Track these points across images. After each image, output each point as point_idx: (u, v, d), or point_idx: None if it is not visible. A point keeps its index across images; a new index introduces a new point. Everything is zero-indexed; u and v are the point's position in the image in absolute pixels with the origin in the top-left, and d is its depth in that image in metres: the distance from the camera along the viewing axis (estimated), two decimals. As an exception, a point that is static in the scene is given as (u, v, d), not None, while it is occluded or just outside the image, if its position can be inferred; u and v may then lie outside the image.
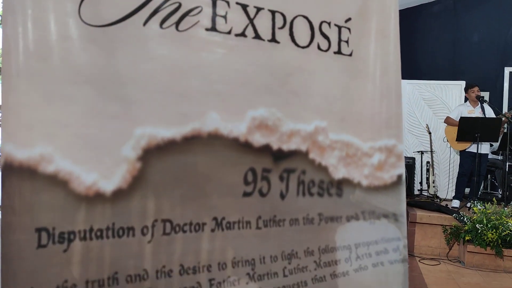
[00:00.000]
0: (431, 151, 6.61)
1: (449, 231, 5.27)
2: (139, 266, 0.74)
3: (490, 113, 5.72)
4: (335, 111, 0.92)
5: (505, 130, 5.81)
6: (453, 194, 6.03)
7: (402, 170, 0.94)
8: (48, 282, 0.66)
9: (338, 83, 0.94)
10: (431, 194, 6.40)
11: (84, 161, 0.69)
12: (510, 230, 4.67)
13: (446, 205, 5.82)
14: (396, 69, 0.96)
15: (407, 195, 4.94)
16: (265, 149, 0.84)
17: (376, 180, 0.94)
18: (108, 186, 0.71)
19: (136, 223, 0.73)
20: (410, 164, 6.57)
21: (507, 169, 5.85)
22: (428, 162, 6.59)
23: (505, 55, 7.00)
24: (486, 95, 6.51)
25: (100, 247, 0.71)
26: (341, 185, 0.92)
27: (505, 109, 5.76)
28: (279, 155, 0.86)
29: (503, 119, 5.36)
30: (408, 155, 6.72)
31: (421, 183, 6.65)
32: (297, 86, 0.89)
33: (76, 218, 0.69)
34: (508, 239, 4.72)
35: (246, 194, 0.83)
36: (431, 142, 6.65)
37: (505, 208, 4.93)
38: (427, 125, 6.68)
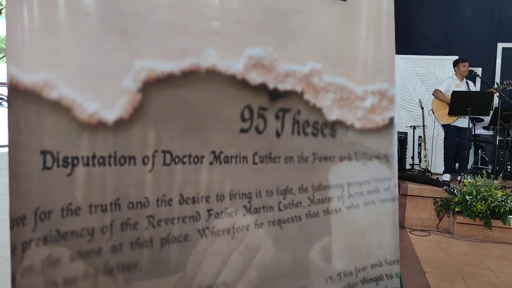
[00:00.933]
0: (423, 126, 6.68)
1: (439, 203, 5.37)
2: (140, 193, 0.77)
3: (473, 89, 5.76)
4: (330, 54, 0.94)
5: (496, 106, 5.87)
6: (444, 168, 6.12)
7: (394, 112, 0.97)
8: (53, 203, 0.69)
9: (333, 26, 0.96)
10: (423, 169, 6.50)
11: (86, 90, 0.72)
12: (498, 202, 4.78)
13: (437, 178, 5.92)
14: (389, 14, 0.98)
15: (399, 169, 5.04)
16: (262, 88, 0.87)
17: (368, 122, 0.97)
18: (110, 115, 0.73)
19: (137, 152, 0.76)
20: (402, 139, 6.64)
21: (497, 143, 5.93)
22: (420, 137, 6.67)
23: (498, 31, 7.02)
24: (478, 70, 6.55)
25: (102, 173, 0.73)
26: (335, 126, 0.95)
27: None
28: (275, 94, 0.88)
29: (493, 91, 5.41)
30: (401, 130, 6.78)
31: (412, 157, 6.74)
32: (293, 28, 0.91)
33: (79, 144, 0.71)
34: (496, 210, 4.82)
35: (243, 131, 0.86)
36: (423, 117, 6.72)
37: (495, 181, 5.02)
38: (419, 100, 6.73)
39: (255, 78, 0.86)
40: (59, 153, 0.69)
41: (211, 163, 0.83)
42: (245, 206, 0.87)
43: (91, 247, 0.73)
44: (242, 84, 0.85)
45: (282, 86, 0.89)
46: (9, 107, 0.63)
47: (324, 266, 0.95)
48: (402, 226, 5.57)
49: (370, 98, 0.98)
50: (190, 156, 0.81)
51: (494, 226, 4.99)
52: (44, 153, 0.68)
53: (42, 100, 0.67)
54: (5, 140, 1.09)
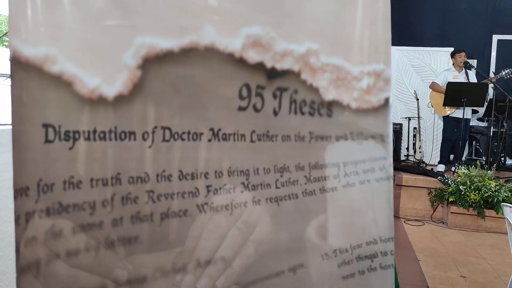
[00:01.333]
0: (418, 117, 6.72)
1: (433, 193, 5.42)
2: (140, 169, 0.78)
3: (473, 79, 5.81)
4: (327, 35, 0.96)
5: (490, 97, 5.91)
6: (439, 159, 6.18)
7: (389, 93, 0.99)
8: (55, 176, 0.70)
9: (330, 7, 0.97)
10: (417, 160, 6.55)
11: (87, 65, 0.72)
12: (492, 192, 4.84)
13: (432, 169, 5.96)
14: (385, -4, 0.99)
15: (394, 160, 5.12)
16: (259, 67, 0.88)
17: (364, 103, 0.99)
18: (110, 91, 0.74)
19: (137, 128, 0.77)
20: (397, 130, 6.68)
21: (491, 134, 5.98)
22: (415, 128, 6.72)
23: (493, 23, 7.04)
24: (473, 62, 6.58)
25: (103, 148, 0.75)
26: (331, 106, 0.97)
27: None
28: (273, 73, 0.90)
29: (489, 83, 5.44)
30: (396, 121, 6.82)
31: (407, 148, 6.79)
32: (291, 8, 0.92)
33: (80, 118, 0.72)
34: (490, 200, 4.87)
35: (241, 109, 0.87)
36: (418, 109, 6.75)
37: (488, 171, 5.06)
38: (415, 91, 6.76)
39: (253, 56, 0.87)
40: (61, 127, 0.70)
41: (209, 140, 0.85)
42: (243, 183, 0.89)
43: (93, 220, 0.74)
44: (240, 62, 0.86)
45: (279, 65, 0.90)
46: (12, 80, 0.64)
47: (320, 243, 0.97)
48: (396, 216, 5.62)
49: (366, 79, 1.00)
50: (189, 132, 0.82)
51: (487, 216, 5.06)
52: (46, 126, 0.69)
53: (44, 74, 0.68)
54: (5, 118, 1.10)
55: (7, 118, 1.10)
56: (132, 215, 0.78)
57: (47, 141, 0.69)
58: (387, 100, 1.00)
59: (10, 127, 1.09)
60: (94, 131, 0.74)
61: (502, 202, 4.46)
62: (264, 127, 0.90)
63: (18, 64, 0.65)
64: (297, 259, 0.95)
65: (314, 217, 0.96)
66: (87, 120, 0.73)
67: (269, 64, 0.89)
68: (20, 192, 0.66)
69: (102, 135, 0.75)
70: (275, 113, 0.91)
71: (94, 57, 0.74)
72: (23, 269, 0.67)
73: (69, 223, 0.72)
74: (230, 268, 0.88)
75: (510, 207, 2.57)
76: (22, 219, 0.67)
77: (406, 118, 6.79)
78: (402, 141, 6.86)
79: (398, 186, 5.69)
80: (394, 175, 5.80)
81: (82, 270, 0.74)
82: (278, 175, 0.92)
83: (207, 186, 0.85)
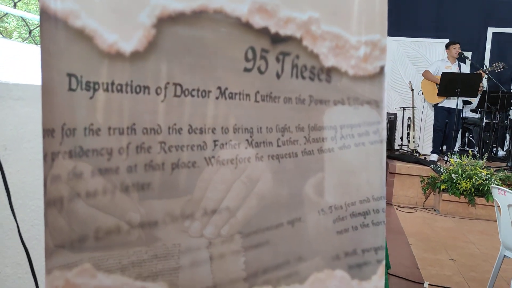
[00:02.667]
0: (413, 108, 6.81)
1: (426, 181, 5.53)
2: (153, 121, 0.84)
3: (466, 71, 5.89)
4: (327, 4, 1.02)
5: (484, 88, 6.00)
6: (431, 149, 6.28)
7: (384, 62, 1.05)
8: (77, 122, 0.76)
9: (331, -21, 1.03)
10: (411, 149, 6.64)
11: (107, 22, 0.78)
12: (483, 180, 4.94)
13: (425, 158, 6.06)
14: (383, -30, 1.05)
15: (388, 149, 5.18)
16: (264, 31, 0.94)
17: (361, 70, 1.05)
18: (127, 47, 0.81)
19: (151, 83, 0.83)
20: (391, 120, 6.77)
21: (483, 125, 6.08)
22: (409, 118, 6.80)
23: (489, 15, 7.11)
24: (468, 54, 6.67)
25: (120, 99, 0.81)
26: (330, 72, 1.03)
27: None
28: (276, 38, 0.96)
29: (482, 74, 5.53)
30: (390, 111, 6.90)
31: (401, 138, 6.88)
32: (294, -23, 0.98)
33: (100, 71, 0.78)
34: (480, 188, 4.98)
35: (246, 70, 0.93)
36: (413, 99, 6.84)
37: (480, 160, 5.17)
38: (409, 82, 6.84)
39: (258, 21, 0.93)
40: (82, 77, 0.77)
41: (217, 98, 0.91)
42: (247, 140, 0.95)
43: (110, 165, 0.81)
44: (246, 26, 0.92)
45: (283, 31, 0.97)
46: (41, 30, 0.70)
47: (317, 199, 1.04)
48: (389, 203, 5.73)
49: (363, 47, 1.06)
50: (198, 90, 0.89)
51: (477, 204, 5.18)
52: (69, 75, 0.75)
53: (68, 28, 0.74)
54: (24, 76, 1.15)
55: (26, 75, 1.16)
56: (145, 163, 0.84)
57: (70, 89, 0.76)
58: (382, 68, 1.07)
59: (29, 83, 1.16)
60: (112, 83, 0.80)
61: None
62: (268, 89, 0.97)
63: (46, 16, 0.71)
64: (295, 213, 1.02)
65: (312, 175, 1.03)
66: (106, 73, 0.79)
67: (273, 30, 0.95)
68: (47, 132, 0.73)
69: (119, 87, 0.81)
70: (278, 76, 0.98)
71: (113, 15, 0.80)
72: (49, 203, 0.73)
73: (89, 166, 0.78)
74: (234, 218, 0.95)
75: (499, 189, 2.66)
76: (48, 157, 0.73)
77: (400, 108, 6.88)
78: (396, 131, 6.95)
79: (391, 174, 5.79)
80: (387, 163, 5.90)
81: (99, 210, 0.80)
82: (279, 134, 0.99)
83: (214, 141, 0.91)
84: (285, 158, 1.00)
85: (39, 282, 0.97)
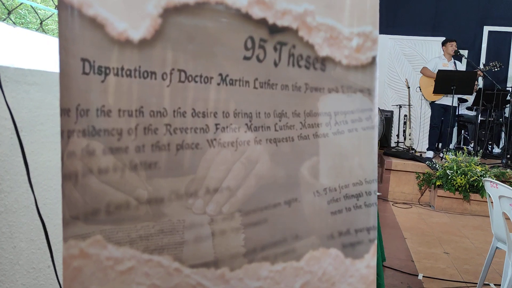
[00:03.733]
0: (409, 105, 6.88)
1: (421, 177, 5.60)
2: (160, 104, 0.91)
3: (461, 69, 5.96)
4: (322, -3, 1.08)
5: (480, 86, 6.08)
6: (427, 146, 6.35)
7: (376, 52, 1.12)
8: (90, 103, 0.83)
9: (325, -26, 1.10)
10: (407, 146, 6.71)
11: (117, 12, 0.85)
12: (477, 176, 5.01)
13: (421, 155, 6.13)
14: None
15: (384, 146, 5.26)
16: (262, 22, 1.01)
17: (354, 60, 1.12)
18: (136, 35, 0.87)
19: (157, 69, 0.90)
20: (388, 117, 6.84)
21: (479, 122, 6.16)
22: (405, 116, 6.88)
23: (485, 14, 7.19)
24: (465, 53, 6.74)
25: (129, 84, 0.87)
26: (325, 61, 1.10)
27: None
28: (274, 29, 1.02)
29: (478, 72, 5.61)
30: (387, 108, 6.97)
31: (398, 135, 6.95)
32: (291, -28, 1.04)
33: (111, 57, 0.85)
34: (475, 184, 5.06)
35: (246, 58, 1.00)
36: (409, 96, 6.91)
37: (475, 157, 5.24)
38: (406, 79, 6.92)
39: (257, 13, 1.00)
40: (95, 62, 0.83)
41: (218, 84, 0.97)
42: (246, 124, 1.02)
43: (120, 145, 0.87)
44: (245, 17, 0.99)
45: (280, 22, 1.03)
46: (58, 18, 0.76)
47: (312, 181, 1.11)
48: (385, 199, 5.80)
49: (356, 39, 1.13)
50: (201, 76, 0.95)
51: (472, 200, 5.26)
52: (83, 60, 0.81)
53: (83, 15, 0.80)
54: (38, 61, 1.22)
55: (39, 62, 1.22)
56: (152, 143, 0.91)
57: (84, 72, 0.82)
58: (374, 58, 1.13)
59: (42, 68, 1.22)
60: (122, 68, 0.86)
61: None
62: (266, 76, 1.03)
63: (63, 5, 0.77)
64: (292, 194, 1.08)
65: (307, 159, 1.10)
66: (116, 58, 0.86)
67: (271, 20, 1.02)
68: (64, 112, 0.79)
69: (128, 72, 0.87)
70: (275, 64, 1.04)
71: (123, 5, 0.86)
72: (65, 177, 0.80)
73: (100, 145, 0.85)
74: (234, 197, 1.01)
75: (491, 181, 2.73)
76: (65, 134, 0.79)
77: (397, 105, 6.96)
78: (393, 128, 7.02)
79: (387, 170, 5.86)
80: (384, 160, 5.97)
81: (110, 186, 0.87)
82: (277, 120, 1.05)
83: (216, 124, 0.98)
84: (282, 142, 1.07)
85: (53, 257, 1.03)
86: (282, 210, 1.07)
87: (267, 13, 1.01)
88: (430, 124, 6.29)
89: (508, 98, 6.31)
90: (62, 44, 0.78)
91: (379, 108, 6.57)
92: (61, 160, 0.79)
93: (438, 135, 6.28)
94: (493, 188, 2.71)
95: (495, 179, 5.14)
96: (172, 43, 0.91)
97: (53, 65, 1.16)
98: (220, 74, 0.98)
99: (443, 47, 6.02)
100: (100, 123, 0.84)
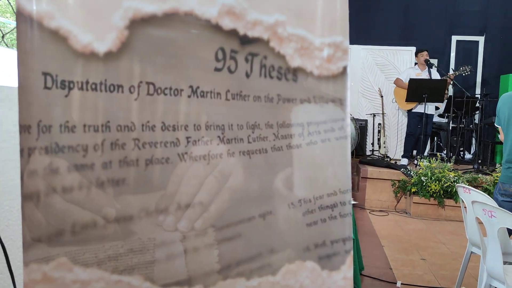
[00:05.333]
0: (383, 114, 6.99)
1: (397, 184, 5.67)
2: (127, 118, 0.88)
3: (436, 77, 6.11)
4: (292, 8, 1.08)
5: (450, 94, 6.22)
6: (402, 153, 6.44)
7: (347, 62, 1.12)
8: (52, 119, 0.79)
9: (295, -16, 1.10)
10: (382, 154, 6.80)
11: (81, 24, 0.82)
12: (451, 182, 5.10)
13: (395, 163, 6.21)
14: (344, -25, 1.12)
15: (360, 155, 5.29)
16: (233, 33, 0.99)
17: (325, 70, 1.11)
18: (101, 47, 0.84)
19: (124, 82, 0.87)
20: (362, 126, 6.93)
21: (450, 129, 6.29)
22: (379, 124, 6.98)
23: (453, 24, 7.41)
24: (434, 62, 6.89)
25: (95, 98, 0.84)
26: (296, 72, 1.09)
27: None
28: (245, 40, 1.01)
29: (448, 80, 5.75)
30: (361, 117, 7.06)
31: (372, 143, 7.04)
32: (260, -17, 1.04)
33: (75, 70, 0.81)
34: (449, 190, 5.14)
35: (217, 69, 0.98)
36: (382, 105, 7.03)
37: (448, 163, 5.34)
38: (379, 88, 7.04)
39: (227, 24, 0.98)
40: (58, 76, 0.80)
41: (189, 96, 0.95)
42: (219, 137, 1.00)
43: (85, 162, 0.83)
44: (216, 28, 0.97)
45: (251, 33, 1.02)
46: (17, 30, 0.73)
47: (287, 193, 1.09)
48: (362, 207, 5.84)
49: (326, 49, 1.13)
50: (170, 88, 0.93)
51: (447, 205, 5.34)
52: (45, 74, 0.78)
53: (43, 28, 0.77)
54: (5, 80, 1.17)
55: (1, 76, 1.17)
56: (120, 159, 0.87)
57: (46, 87, 0.78)
58: (345, 68, 1.13)
59: (3, 84, 1.17)
60: (87, 82, 0.83)
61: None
62: (238, 87, 1.01)
63: (22, 17, 0.74)
64: (266, 207, 1.06)
65: (281, 170, 1.08)
66: (81, 72, 0.83)
67: (241, 31, 1.01)
68: (23, 128, 0.75)
69: (93, 86, 0.84)
70: (247, 75, 1.03)
71: (88, 17, 0.83)
72: (25, 197, 0.76)
73: (65, 162, 0.81)
74: (207, 212, 0.99)
75: (464, 187, 2.78)
76: (25, 152, 0.75)
77: (371, 114, 7.05)
78: (367, 137, 7.11)
79: (363, 178, 5.91)
80: (359, 168, 6.04)
81: (75, 205, 0.83)
82: (250, 131, 1.04)
83: (187, 137, 0.95)
84: (256, 154, 1.05)
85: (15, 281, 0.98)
86: (256, 224, 1.05)
87: (238, 24, 1.00)
88: (406, 132, 6.38)
89: (477, 105, 6.49)
90: (21, 58, 0.74)
91: (353, 117, 6.65)
92: (21, 179, 0.75)
93: (414, 143, 6.38)
94: (466, 193, 2.75)
95: (468, 184, 5.25)
96: (139, 55, 0.89)
97: (15, 80, 1.12)
98: (191, 86, 0.96)
99: (416, 57, 6.15)
100: (64, 140, 0.81)
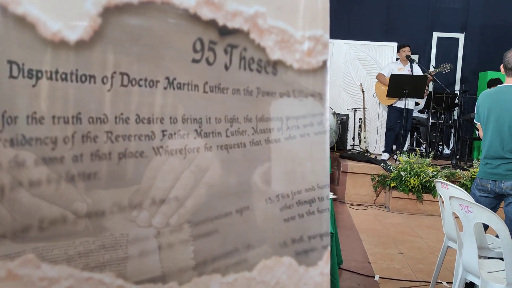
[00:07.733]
0: (364, 109, 7.04)
1: (376, 179, 5.72)
2: (99, 110, 0.84)
3: (418, 72, 6.16)
4: (274, 0, 1.06)
5: (430, 90, 6.30)
6: (383, 149, 6.51)
7: (327, 56, 1.10)
8: (19, 110, 0.75)
9: (276, -24, 1.07)
10: (363, 149, 6.85)
11: (50, 10, 0.78)
12: (429, 177, 5.17)
13: (376, 157, 6.27)
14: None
15: (340, 149, 5.29)
16: (212, 24, 0.96)
17: (305, 64, 1.09)
18: (72, 35, 0.80)
19: (97, 72, 0.83)
20: (344, 121, 6.96)
21: (430, 125, 6.37)
22: (360, 119, 7.02)
23: (434, 21, 7.48)
24: (416, 57, 6.95)
25: (65, 88, 0.80)
26: (276, 65, 1.07)
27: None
28: (224, 31, 0.98)
29: (429, 77, 5.81)
30: (342, 112, 7.09)
31: (353, 138, 7.08)
32: (241, -28, 1.01)
33: (43, 59, 0.78)
34: (427, 185, 5.21)
35: (194, 61, 0.95)
36: (364, 100, 7.07)
37: (427, 158, 5.41)
38: (360, 84, 7.07)
39: (206, 13, 0.95)
40: (24, 64, 0.76)
41: (165, 88, 0.92)
42: (196, 130, 0.97)
43: (54, 155, 0.80)
44: (194, 18, 0.94)
45: (230, 24, 0.99)
46: (-21, 15, 0.69)
47: (265, 188, 1.07)
48: (342, 201, 5.89)
49: (306, 42, 1.11)
50: (146, 79, 0.89)
51: (425, 200, 5.42)
52: (10, 62, 0.74)
53: (9, 14, 0.73)
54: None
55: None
56: (91, 152, 0.84)
57: (11, 76, 0.74)
58: (324, 63, 1.12)
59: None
60: (56, 72, 0.80)
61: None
62: (216, 80, 0.99)
63: (-15, 1, 0.70)
64: (244, 202, 1.04)
65: (259, 165, 1.06)
66: (50, 61, 0.79)
67: (221, 22, 0.98)
68: (-14, 119, 0.71)
69: (64, 76, 0.80)
70: (226, 67, 1.00)
71: (57, 3, 0.79)
72: (-12, 191, 0.72)
73: (32, 155, 0.77)
74: (183, 207, 0.96)
75: (442, 183, 2.81)
76: (-12, 144, 0.72)
77: (352, 109, 7.09)
78: (348, 131, 7.15)
79: (343, 173, 5.95)
80: (340, 163, 6.07)
81: (43, 200, 0.79)
82: (228, 125, 1.01)
83: (163, 131, 0.92)
84: (234, 148, 1.03)
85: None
86: (233, 219, 1.03)
87: (217, 14, 0.97)
88: (386, 126, 6.43)
89: (457, 101, 6.58)
90: (-16, 44, 0.70)
91: (334, 111, 6.67)
92: (-17, 173, 0.72)
93: (394, 137, 6.44)
94: (444, 189, 2.79)
95: (446, 180, 5.33)
96: (113, 45, 0.85)
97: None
98: (167, 78, 0.93)
99: (398, 53, 6.19)
100: (31, 131, 0.77)
